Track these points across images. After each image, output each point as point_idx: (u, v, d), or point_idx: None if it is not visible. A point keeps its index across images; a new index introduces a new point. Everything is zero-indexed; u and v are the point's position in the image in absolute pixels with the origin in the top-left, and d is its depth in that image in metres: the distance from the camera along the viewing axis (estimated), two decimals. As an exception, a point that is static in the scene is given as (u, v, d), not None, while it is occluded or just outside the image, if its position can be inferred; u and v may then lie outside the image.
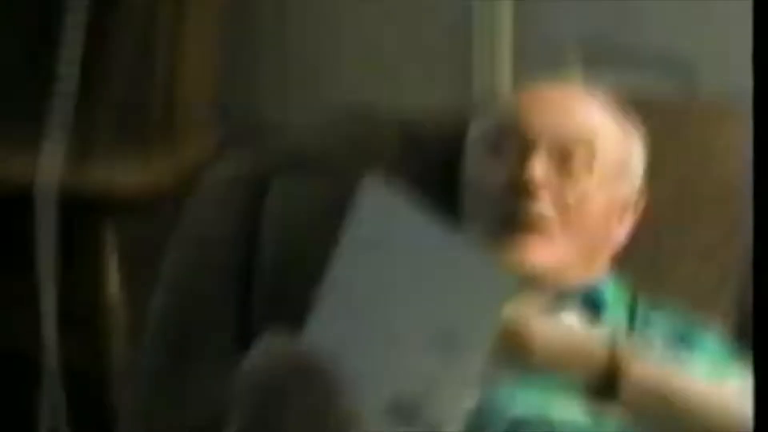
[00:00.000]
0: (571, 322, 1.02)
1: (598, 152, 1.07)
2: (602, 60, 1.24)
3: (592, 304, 1.07)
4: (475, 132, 1.10)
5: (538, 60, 1.28)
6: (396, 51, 1.34)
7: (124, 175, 1.48)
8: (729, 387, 0.97)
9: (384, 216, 0.89)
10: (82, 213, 1.52)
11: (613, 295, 1.09)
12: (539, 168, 1.04)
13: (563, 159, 1.06)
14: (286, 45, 1.54)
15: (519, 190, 1.03)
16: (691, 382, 0.95)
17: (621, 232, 1.11)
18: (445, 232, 0.88)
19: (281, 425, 0.80)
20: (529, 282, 0.99)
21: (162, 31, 1.52)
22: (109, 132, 1.48)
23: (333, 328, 0.87)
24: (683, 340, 1.07)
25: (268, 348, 0.84)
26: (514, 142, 1.07)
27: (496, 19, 1.31)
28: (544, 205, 1.05)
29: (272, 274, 1.10)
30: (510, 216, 1.04)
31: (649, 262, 1.12)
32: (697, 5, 1.27)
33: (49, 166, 1.48)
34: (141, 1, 1.53)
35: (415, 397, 0.85)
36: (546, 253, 1.05)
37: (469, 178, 1.09)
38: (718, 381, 1.00)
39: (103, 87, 1.49)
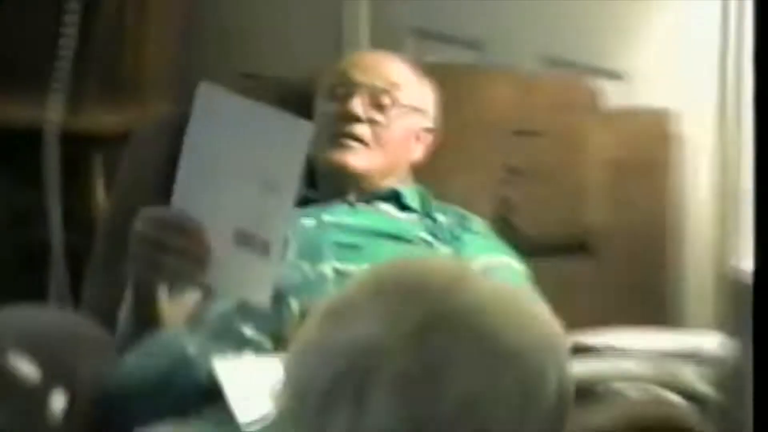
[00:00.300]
0: (385, 209, 1.50)
1: (399, 96, 1.52)
2: (427, 39, 1.80)
3: (396, 200, 1.52)
4: (321, 84, 1.59)
5: (385, 40, 1.84)
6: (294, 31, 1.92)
7: (107, 119, 2.02)
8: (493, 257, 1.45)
9: (218, 107, 1.17)
10: (76, 147, 2.08)
11: (411, 195, 1.53)
12: (357, 104, 1.49)
13: (374, 99, 1.51)
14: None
15: (344, 119, 1.49)
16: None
17: (416, 152, 1.57)
18: (260, 109, 1.16)
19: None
20: (352, 181, 1.48)
21: (132, 8, 2.07)
22: (95, 86, 2.03)
23: (192, 191, 1.18)
24: (460, 224, 1.51)
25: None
26: (342, 89, 1.53)
27: (358, 10, 1.88)
28: (361, 128, 1.49)
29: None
30: (338, 135, 1.49)
31: (434, 175, 1.58)
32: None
33: (54, 112, 2.00)
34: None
35: (251, 226, 1.14)
36: (362, 161, 1.49)
37: (316, 115, 1.54)
38: (485, 253, 1.45)
39: (90, 52, 2.02)
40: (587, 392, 1.19)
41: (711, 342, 1.32)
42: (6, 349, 1.22)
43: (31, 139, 2.04)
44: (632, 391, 1.22)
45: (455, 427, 0.83)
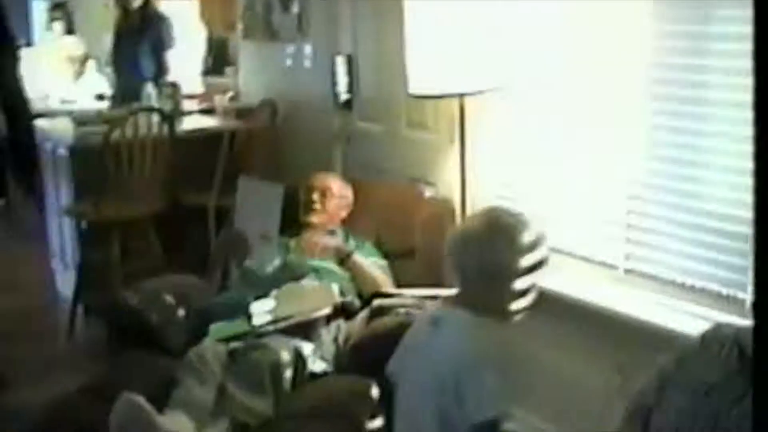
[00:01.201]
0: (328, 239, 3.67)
1: (333, 192, 3.65)
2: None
3: (340, 234, 3.67)
4: (302, 186, 3.79)
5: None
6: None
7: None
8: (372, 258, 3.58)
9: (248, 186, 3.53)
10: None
11: (343, 232, 3.69)
12: (314, 195, 3.60)
13: (323, 193, 3.63)
14: None
15: (310, 202, 3.67)
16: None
17: (343, 213, 3.69)
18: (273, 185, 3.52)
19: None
20: (311, 228, 3.67)
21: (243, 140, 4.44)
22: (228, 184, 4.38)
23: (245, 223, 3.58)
24: (360, 245, 3.65)
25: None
26: (309, 189, 3.64)
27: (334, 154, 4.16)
28: (317, 205, 3.59)
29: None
30: (308, 208, 3.62)
31: (350, 223, 3.75)
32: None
33: (212, 199, 4.34)
34: None
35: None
36: (319, 219, 3.61)
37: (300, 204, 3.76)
38: (370, 257, 3.58)
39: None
40: (388, 310, 3.16)
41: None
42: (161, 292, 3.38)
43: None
44: (403, 311, 3.12)
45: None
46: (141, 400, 2.35)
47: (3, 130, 4.21)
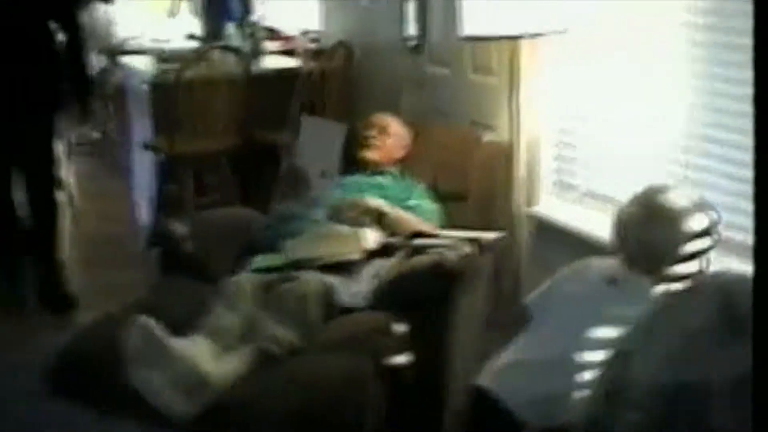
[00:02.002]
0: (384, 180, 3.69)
1: (392, 130, 3.69)
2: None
3: (391, 175, 3.71)
4: (361, 124, 3.80)
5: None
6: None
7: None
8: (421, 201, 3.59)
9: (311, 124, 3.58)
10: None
11: (395, 174, 3.70)
12: (373, 131, 3.64)
13: (382, 131, 3.67)
14: None
15: (369, 137, 3.67)
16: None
17: (399, 154, 3.71)
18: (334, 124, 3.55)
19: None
20: (366, 164, 3.68)
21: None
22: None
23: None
24: (413, 186, 3.62)
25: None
26: (368, 125, 3.70)
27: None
28: (376, 141, 3.62)
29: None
30: (366, 144, 3.65)
31: (406, 164, 3.77)
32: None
33: (285, 137, 4.40)
34: None
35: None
36: (376, 156, 3.63)
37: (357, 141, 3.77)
38: (420, 199, 3.60)
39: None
40: (425, 250, 3.19)
41: (490, 236, 3.32)
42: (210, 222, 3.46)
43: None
44: (439, 250, 3.14)
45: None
46: (152, 323, 2.42)
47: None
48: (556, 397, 2.25)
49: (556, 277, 2.68)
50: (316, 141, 3.60)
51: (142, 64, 5.50)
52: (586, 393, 1.86)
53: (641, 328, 1.73)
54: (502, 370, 2.47)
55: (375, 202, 3.32)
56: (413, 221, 3.37)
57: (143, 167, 5.51)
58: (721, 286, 1.65)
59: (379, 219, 3.30)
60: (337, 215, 3.25)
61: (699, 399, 1.54)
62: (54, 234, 4.40)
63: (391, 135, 3.67)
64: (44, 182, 4.34)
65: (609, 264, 2.59)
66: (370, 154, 3.60)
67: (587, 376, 2.14)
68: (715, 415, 1.54)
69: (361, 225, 3.17)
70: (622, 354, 1.74)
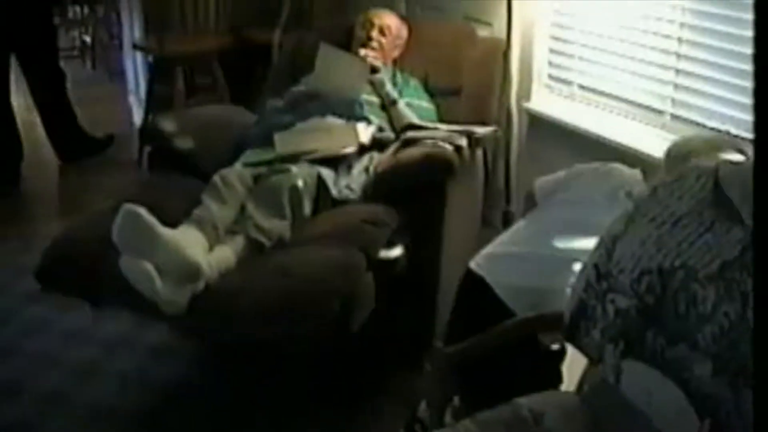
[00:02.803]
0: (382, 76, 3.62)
1: (391, 30, 3.61)
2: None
3: (390, 72, 3.61)
4: (358, 21, 3.71)
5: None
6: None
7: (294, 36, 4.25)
8: (415, 100, 3.54)
9: (328, 53, 3.37)
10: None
11: (392, 70, 3.63)
12: (373, 32, 3.58)
13: (381, 31, 3.60)
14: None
15: (368, 38, 3.58)
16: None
17: (396, 53, 3.65)
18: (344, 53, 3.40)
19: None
20: (368, 63, 3.61)
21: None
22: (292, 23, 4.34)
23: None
24: (407, 81, 3.56)
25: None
26: (367, 24, 3.62)
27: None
28: (374, 42, 3.55)
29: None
30: (365, 44, 3.57)
31: (401, 61, 3.71)
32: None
33: (276, 36, 4.32)
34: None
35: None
36: (375, 55, 3.54)
37: (355, 35, 3.68)
38: (413, 97, 3.55)
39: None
40: (417, 142, 3.17)
41: (482, 130, 3.30)
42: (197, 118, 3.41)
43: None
44: (430, 142, 3.12)
45: None
46: (142, 209, 2.40)
47: None
48: (548, 290, 2.24)
49: (572, 171, 2.65)
50: (334, 72, 3.47)
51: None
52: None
53: (626, 214, 1.71)
54: (495, 257, 2.46)
55: (391, 90, 3.34)
56: (414, 117, 3.34)
57: (136, 70, 5.45)
58: (711, 171, 1.63)
59: (384, 104, 3.32)
60: (342, 105, 3.22)
61: (688, 284, 1.53)
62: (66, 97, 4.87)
63: (392, 35, 3.61)
64: (47, 65, 4.78)
65: (632, 175, 2.56)
66: (370, 55, 3.53)
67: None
68: (701, 301, 1.53)
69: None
70: (606, 239, 1.72)
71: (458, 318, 2.39)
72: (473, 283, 2.34)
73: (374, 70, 3.50)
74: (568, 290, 1.84)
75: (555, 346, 2.10)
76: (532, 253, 2.39)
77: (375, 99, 3.40)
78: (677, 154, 2.31)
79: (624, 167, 2.61)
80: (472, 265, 2.40)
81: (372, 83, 3.43)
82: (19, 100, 5.06)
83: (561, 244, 2.37)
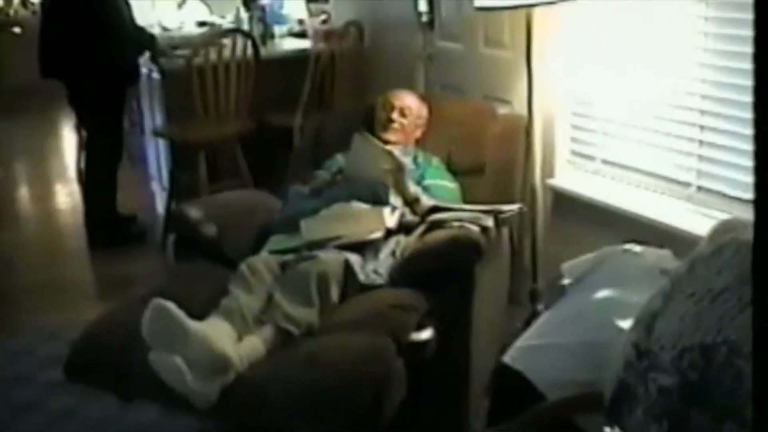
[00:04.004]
0: (406, 159, 3.62)
1: (412, 111, 3.61)
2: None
3: (411, 153, 3.62)
4: (378, 103, 3.72)
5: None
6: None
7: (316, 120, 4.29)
8: (437, 181, 3.54)
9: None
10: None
11: (414, 151, 3.63)
12: (394, 114, 3.59)
13: (401, 112, 3.60)
14: None
15: (388, 120, 3.58)
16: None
17: (418, 133, 3.63)
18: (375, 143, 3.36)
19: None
20: (391, 146, 3.62)
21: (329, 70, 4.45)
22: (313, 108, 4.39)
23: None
24: (429, 161, 3.57)
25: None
26: (388, 106, 3.63)
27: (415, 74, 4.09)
28: (395, 124, 3.55)
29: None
30: (386, 126, 3.57)
31: (424, 141, 3.72)
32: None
33: (297, 119, 4.37)
34: None
35: None
36: (396, 137, 3.55)
37: (376, 117, 3.71)
38: (435, 178, 3.55)
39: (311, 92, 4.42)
40: (443, 224, 3.13)
41: (508, 208, 3.27)
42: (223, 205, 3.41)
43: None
44: (457, 224, 3.09)
45: None
46: (170, 304, 2.39)
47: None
48: (596, 383, 2.19)
49: (601, 253, 2.61)
50: (362, 159, 3.47)
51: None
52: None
53: (664, 290, 1.69)
54: (532, 350, 2.40)
55: (415, 189, 3.28)
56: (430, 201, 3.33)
57: (158, 157, 5.50)
58: (749, 245, 1.60)
59: (411, 203, 3.27)
60: (368, 189, 3.19)
61: (732, 360, 1.50)
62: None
63: (413, 115, 3.61)
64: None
65: (664, 255, 2.53)
66: (392, 137, 3.54)
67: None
68: (747, 377, 1.50)
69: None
70: (644, 316, 1.69)
71: (496, 419, 2.34)
72: (509, 380, 2.30)
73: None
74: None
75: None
76: (571, 343, 2.33)
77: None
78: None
79: (653, 248, 2.58)
80: (507, 359, 2.35)
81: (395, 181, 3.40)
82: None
83: (596, 328, 2.32)
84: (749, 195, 2.72)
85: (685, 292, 1.64)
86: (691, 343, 1.57)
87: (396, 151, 3.44)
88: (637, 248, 2.58)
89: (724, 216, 2.86)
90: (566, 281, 2.58)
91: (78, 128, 5.30)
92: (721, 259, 1.63)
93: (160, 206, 5.53)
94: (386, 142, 3.54)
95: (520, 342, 2.44)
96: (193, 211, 3.16)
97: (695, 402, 1.55)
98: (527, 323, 3.40)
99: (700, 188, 3.02)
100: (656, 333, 1.65)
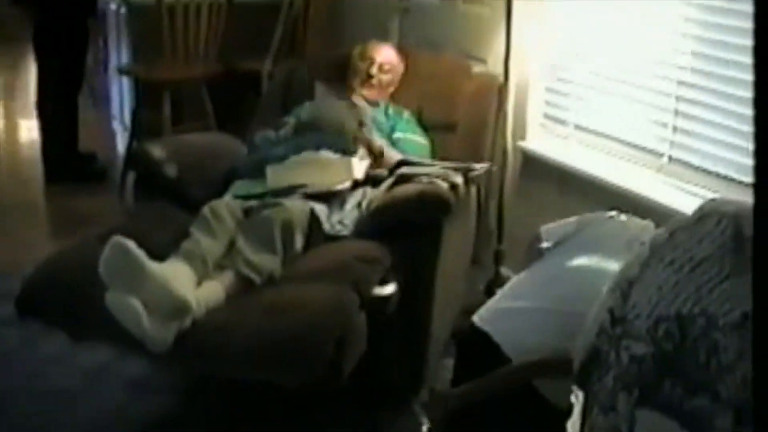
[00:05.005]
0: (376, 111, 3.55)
1: (393, 67, 3.54)
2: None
3: (382, 106, 3.54)
4: (357, 53, 3.62)
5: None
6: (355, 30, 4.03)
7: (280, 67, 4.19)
8: (408, 135, 3.49)
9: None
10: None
11: (385, 104, 3.55)
12: (373, 69, 3.55)
13: (381, 68, 3.50)
14: None
15: (367, 75, 3.48)
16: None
17: (392, 88, 3.58)
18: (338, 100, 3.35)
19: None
20: (364, 100, 3.54)
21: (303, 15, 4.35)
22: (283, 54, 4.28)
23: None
24: (400, 114, 3.49)
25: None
26: (367, 59, 3.52)
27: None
28: (374, 80, 3.46)
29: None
30: (364, 81, 3.47)
31: (396, 95, 3.65)
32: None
33: (266, 65, 4.28)
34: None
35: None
36: (371, 93, 3.47)
37: (352, 67, 3.61)
38: (406, 132, 3.49)
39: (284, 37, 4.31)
40: (411, 178, 3.09)
41: (478, 167, 3.23)
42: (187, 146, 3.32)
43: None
44: (426, 179, 3.05)
45: None
46: (131, 243, 2.32)
47: None
48: (565, 351, 2.16)
49: (584, 218, 2.56)
50: (326, 110, 3.41)
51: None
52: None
53: (642, 257, 1.65)
54: (503, 312, 2.36)
55: (380, 143, 3.22)
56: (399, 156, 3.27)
57: (121, 96, 5.37)
58: (731, 215, 1.57)
59: (375, 157, 3.21)
60: (336, 139, 3.13)
61: (708, 331, 1.47)
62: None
63: (392, 72, 3.54)
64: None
65: (646, 225, 2.49)
66: (368, 93, 3.47)
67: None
68: (723, 350, 1.47)
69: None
70: (621, 282, 1.66)
71: (461, 378, 2.30)
72: (477, 340, 2.26)
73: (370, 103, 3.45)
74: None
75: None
76: (544, 309, 2.30)
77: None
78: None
79: (636, 219, 2.54)
80: (476, 319, 2.31)
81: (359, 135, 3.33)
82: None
83: (576, 295, 2.28)
84: (721, 169, 2.72)
85: (663, 260, 1.61)
86: (668, 312, 1.54)
87: (361, 102, 3.38)
88: (622, 217, 2.54)
89: (695, 188, 2.85)
90: (545, 244, 2.54)
91: (38, 64, 5.12)
92: (703, 228, 1.59)
93: (121, 146, 5.42)
94: (360, 95, 3.47)
95: (491, 303, 2.40)
96: (156, 150, 3.07)
97: (668, 372, 1.52)
98: (489, 285, 3.41)
99: (671, 159, 2.99)
100: (632, 300, 1.62)
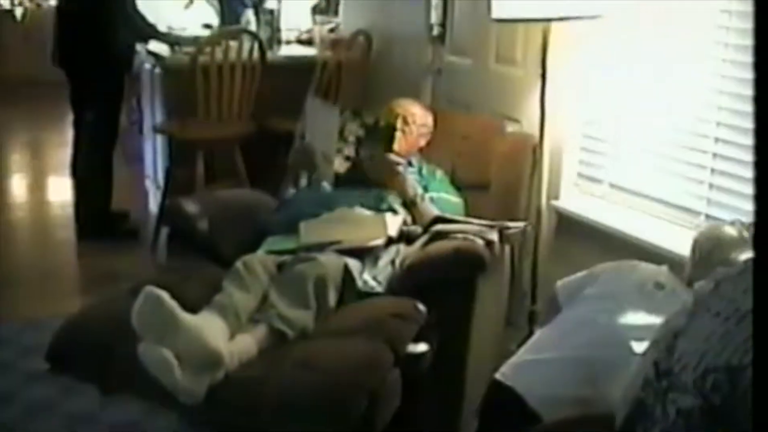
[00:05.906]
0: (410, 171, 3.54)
1: (416, 118, 3.54)
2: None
3: (416, 165, 3.52)
4: (383, 113, 3.65)
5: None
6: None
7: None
8: (441, 194, 3.46)
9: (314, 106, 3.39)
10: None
11: (419, 163, 3.55)
12: (398, 122, 3.48)
13: (405, 120, 3.50)
14: None
15: (393, 129, 3.49)
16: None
17: (422, 142, 3.55)
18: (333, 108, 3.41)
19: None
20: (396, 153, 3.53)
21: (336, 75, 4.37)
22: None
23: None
24: (433, 173, 3.51)
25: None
26: (391, 116, 3.54)
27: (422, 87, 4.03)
28: (398, 134, 3.46)
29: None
30: (391, 137, 3.47)
31: (427, 152, 3.64)
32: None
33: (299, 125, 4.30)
34: None
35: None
36: (399, 147, 3.45)
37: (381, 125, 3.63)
38: (438, 191, 3.47)
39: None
40: (447, 235, 3.06)
41: (514, 225, 3.18)
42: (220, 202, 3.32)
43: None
44: (461, 236, 3.01)
45: None
46: (164, 293, 2.30)
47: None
48: (588, 399, 2.12)
49: (595, 269, 2.56)
50: (317, 122, 3.46)
51: (156, 49, 5.39)
52: (624, 380, 1.73)
53: (688, 309, 1.62)
54: (524, 365, 2.34)
55: (417, 188, 3.22)
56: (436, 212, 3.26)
57: (155, 155, 5.41)
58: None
59: (411, 205, 3.22)
60: (376, 197, 3.16)
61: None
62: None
63: (417, 123, 3.53)
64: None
65: (658, 269, 2.48)
66: (396, 145, 3.45)
67: (620, 370, 2.02)
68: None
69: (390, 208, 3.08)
70: (666, 334, 1.62)
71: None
72: (500, 396, 2.22)
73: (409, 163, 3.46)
74: (619, 391, 1.73)
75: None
76: (564, 357, 2.27)
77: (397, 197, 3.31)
78: (707, 244, 2.25)
79: (649, 264, 2.52)
80: (498, 376, 2.28)
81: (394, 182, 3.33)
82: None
83: (590, 343, 2.26)
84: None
85: (710, 311, 1.57)
86: (716, 363, 1.50)
87: (397, 158, 3.38)
88: (631, 263, 2.53)
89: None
90: (560, 299, 2.52)
91: (75, 123, 5.19)
92: (747, 279, 1.56)
93: (154, 205, 5.44)
94: (390, 152, 3.47)
95: (513, 359, 2.38)
96: (189, 205, 3.07)
97: (717, 426, 1.48)
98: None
99: (708, 217, 2.96)
100: (678, 352, 1.58)
